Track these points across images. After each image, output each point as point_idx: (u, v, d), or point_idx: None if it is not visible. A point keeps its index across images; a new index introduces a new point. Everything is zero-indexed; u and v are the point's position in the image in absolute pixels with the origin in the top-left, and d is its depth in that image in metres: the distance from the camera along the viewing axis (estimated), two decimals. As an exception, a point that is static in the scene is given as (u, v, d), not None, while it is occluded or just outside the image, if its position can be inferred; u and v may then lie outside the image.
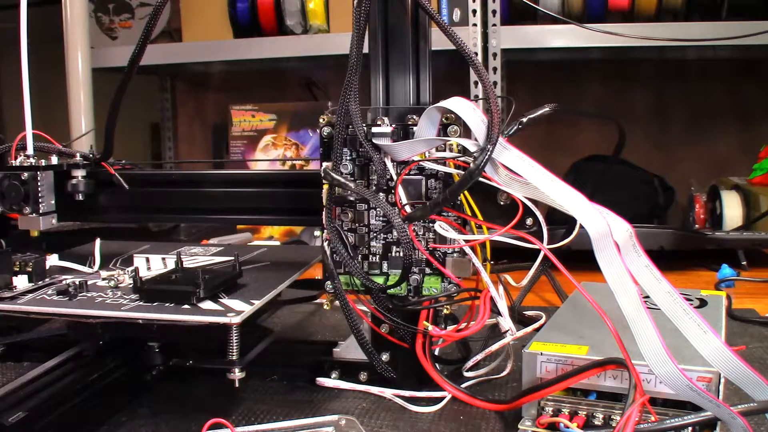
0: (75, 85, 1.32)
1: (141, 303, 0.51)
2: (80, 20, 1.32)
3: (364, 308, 0.56)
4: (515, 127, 0.53)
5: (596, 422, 0.46)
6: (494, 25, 1.27)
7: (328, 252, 0.55)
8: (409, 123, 0.54)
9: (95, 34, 1.55)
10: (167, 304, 0.50)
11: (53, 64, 1.33)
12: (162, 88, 1.78)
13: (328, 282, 0.56)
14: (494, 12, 1.26)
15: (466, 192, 0.52)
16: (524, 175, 0.47)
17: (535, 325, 0.57)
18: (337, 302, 0.56)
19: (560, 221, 0.50)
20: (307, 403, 0.56)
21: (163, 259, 0.64)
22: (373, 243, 0.57)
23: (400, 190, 0.54)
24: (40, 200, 0.63)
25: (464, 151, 0.52)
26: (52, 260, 0.64)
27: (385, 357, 0.57)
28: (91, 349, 0.58)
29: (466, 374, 0.58)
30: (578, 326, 0.54)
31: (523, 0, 1.16)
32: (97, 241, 0.67)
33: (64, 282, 0.56)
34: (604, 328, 0.44)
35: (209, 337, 0.50)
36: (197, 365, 0.56)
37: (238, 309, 0.49)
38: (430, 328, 0.54)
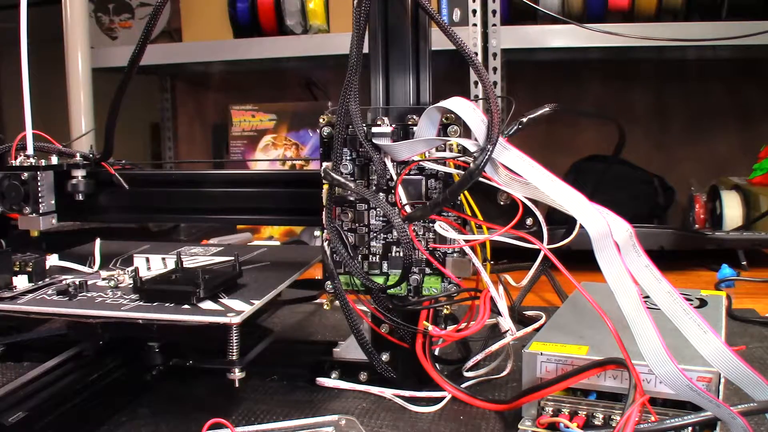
0: (75, 85, 1.32)
1: (141, 303, 0.51)
2: (80, 20, 1.32)
3: (364, 308, 0.56)
4: (515, 127, 0.53)
5: (596, 422, 0.46)
6: (494, 25, 1.27)
7: (328, 252, 0.55)
8: (409, 123, 0.54)
9: (95, 34, 1.55)
10: (167, 304, 0.50)
11: (53, 64, 1.33)
12: (162, 88, 1.78)
13: (328, 282, 0.56)
14: (494, 12, 1.26)
15: (466, 192, 0.52)
16: (524, 175, 0.47)
17: (535, 325, 0.57)
18: (337, 302, 0.56)
19: (560, 221, 0.50)
20: (307, 403, 0.56)
21: (163, 259, 0.64)
22: (373, 243, 0.57)
23: (400, 190, 0.54)
24: (40, 200, 0.63)
25: (464, 151, 0.52)
26: (52, 260, 0.64)
27: (385, 357, 0.57)
28: (91, 349, 0.58)
29: (466, 374, 0.58)
30: (578, 326, 0.54)
31: (523, 0, 1.16)
32: (97, 241, 0.67)
33: (64, 282, 0.56)
34: (604, 328, 0.44)
35: (209, 337, 0.50)
36: (197, 365, 0.56)
37: (238, 309, 0.49)
38: (430, 328, 0.54)
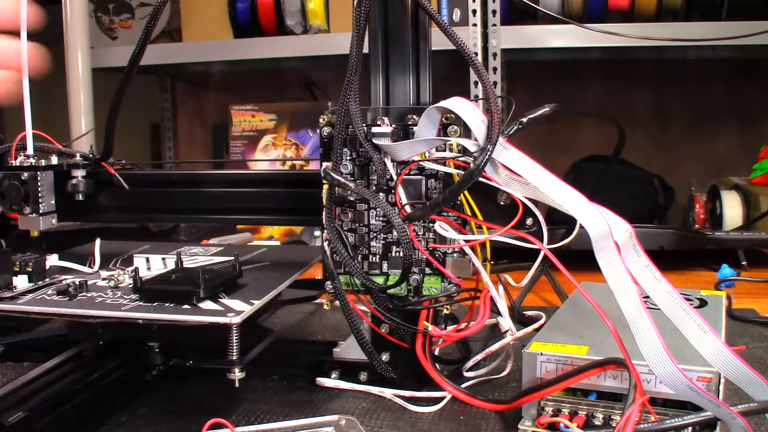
0: (75, 85, 1.32)
1: (141, 303, 0.51)
2: (80, 20, 1.32)
3: (364, 308, 0.56)
4: (515, 127, 0.53)
5: (596, 422, 0.46)
6: (494, 25, 1.27)
7: (328, 252, 0.55)
8: (409, 123, 0.54)
9: (95, 34, 1.55)
10: (167, 304, 0.50)
11: (53, 64, 1.33)
12: (162, 88, 1.78)
13: (328, 282, 0.56)
14: (494, 12, 1.26)
15: (466, 192, 0.52)
16: (524, 175, 0.47)
17: (535, 325, 0.57)
18: (337, 302, 0.56)
19: (560, 221, 0.50)
20: (307, 403, 0.56)
21: (163, 259, 0.64)
22: (373, 243, 0.57)
23: (400, 190, 0.54)
24: (40, 200, 0.63)
25: (464, 151, 0.52)
26: (52, 260, 0.64)
27: (385, 357, 0.57)
28: (91, 349, 0.58)
29: (466, 374, 0.58)
30: (578, 326, 0.54)
31: (523, 0, 1.16)
32: (97, 241, 0.67)
33: (64, 282, 0.56)
34: (604, 328, 0.44)
35: (209, 337, 0.50)
36: (197, 365, 0.56)
37: (238, 309, 0.49)
38: (430, 328, 0.54)
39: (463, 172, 0.50)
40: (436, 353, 0.59)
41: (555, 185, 0.46)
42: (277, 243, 1.29)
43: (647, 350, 0.41)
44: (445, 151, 0.53)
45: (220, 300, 0.52)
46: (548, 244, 0.48)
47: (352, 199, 0.56)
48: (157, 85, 1.78)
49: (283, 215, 0.65)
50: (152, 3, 1.54)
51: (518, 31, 1.28)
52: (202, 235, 1.20)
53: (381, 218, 0.56)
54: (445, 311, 0.56)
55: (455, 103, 0.49)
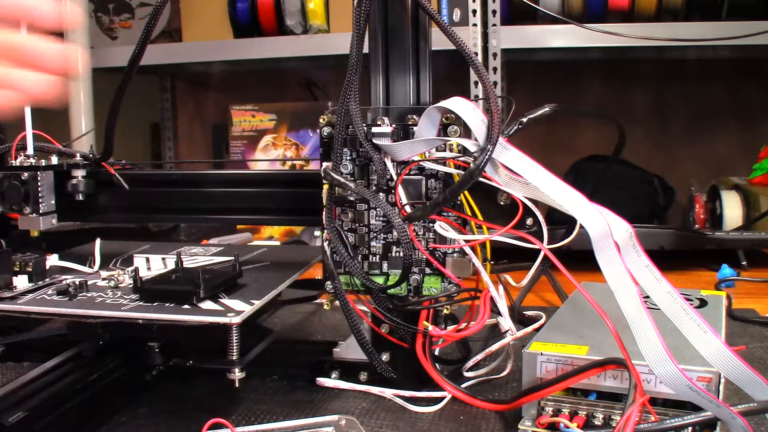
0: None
1: (141, 303, 0.51)
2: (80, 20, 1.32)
3: (364, 308, 0.56)
4: (515, 127, 0.53)
5: (596, 422, 0.46)
6: (494, 25, 1.27)
7: (328, 252, 0.55)
8: (409, 123, 0.54)
9: (95, 34, 1.55)
10: (167, 304, 0.50)
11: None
12: (162, 88, 1.78)
13: (328, 282, 0.56)
14: (494, 12, 1.26)
15: (466, 192, 0.52)
16: (524, 175, 0.47)
17: (535, 325, 0.57)
18: (337, 302, 0.56)
19: (560, 221, 0.50)
20: (307, 403, 0.56)
21: (163, 259, 0.64)
22: (373, 243, 0.57)
23: (400, 190, 0.54)
24: (40, 200, 0.63)
25: (464, 151, 0.52)
26: (52, 260, 0.64)
27: (385, 357, 0.57)
28: (91, 349, 0.58)
29: (466, 374, 0.58)
30: (578, 326, 0.54)
31: (523, 0, 1.16)
32: (97, 241, 0.67)
33: (64, 282, 0.56)
34: (604, 328, 0.44)
35: (209, 337, 0.50)
36: (197, 365, 0.56)
37: (238, 309, 0.49)
38: (430, 328, 0.54)
39: (463, 172, 0.50)
40: (436, 353, 0.59)
41: (555, 185, 0.46)
42: (277, 243, 1.29)
43: (647, 350, 0.41)
44: (445, 151, 0.53)
45: (220, 300, 0.52)
46: (548, 244, 0.48)
47: (352, 199, 0.56)
48: (157, 85, 1.78)
49: (283, 215, 0.65)
50: (152, 3, 1.54)
51: (518, 31, 1.28)
52: (202, 235, 1.20)
53: (381, 218, 0.56)
54: (445, 311, 0.56)
55: (455, 103, 0.49)
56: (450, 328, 0.56)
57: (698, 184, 1.37)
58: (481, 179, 0.48)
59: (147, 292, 0.52)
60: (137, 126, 1.78)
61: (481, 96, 1.22)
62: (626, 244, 0.43)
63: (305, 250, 0.90)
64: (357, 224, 0.57)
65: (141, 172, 0.69)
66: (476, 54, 1.11)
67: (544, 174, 0.46)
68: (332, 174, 0.53)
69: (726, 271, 0.99)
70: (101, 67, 1.40)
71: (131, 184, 0.65)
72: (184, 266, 0.59)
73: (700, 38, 1.18)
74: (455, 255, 0.55)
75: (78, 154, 0.66)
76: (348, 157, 0.56)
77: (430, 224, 0.55)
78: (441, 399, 0.55)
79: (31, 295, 0.54)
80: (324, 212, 0.55)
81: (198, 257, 0.69)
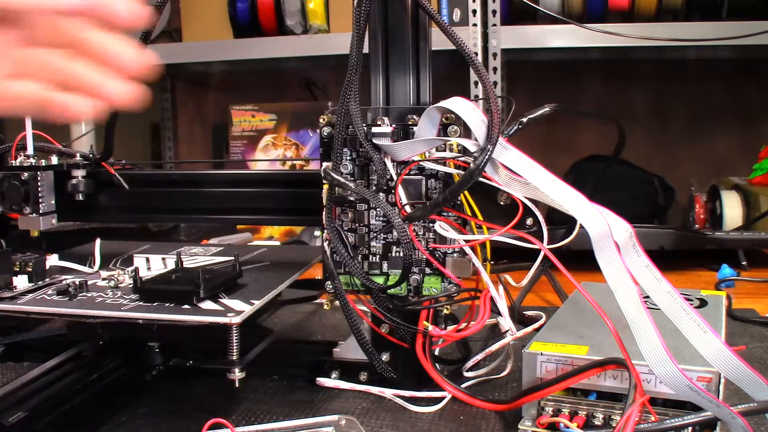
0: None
1: (141, 303, 0.51)
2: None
3: (364, 308, 0.56)
4: (515, 127, 0.53)
5: (596, 422, 0.46)
6: (494, 25, 1.27)
7: (328, 252, 0.55)
8: (409, 123, 0.54)
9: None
10: (167, 304, 0.50)
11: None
12: (162, 88, 1.78)
13: (328, 282, 0.56)
14: (494, 12, 1.26)
15: (466, 192, 0.52)
16: (524, 175, 0.47)
17: (535, 325, 0.57)
18: (337, 302, 0.56)
19: (560, 221, 0.50)
20: (307, 403, 0.56)
21: (163, 259, 0.64)
22: (373, 243, 0.57)
23: (400, 190, 0.54)
24: (40, 200, 0.63)
25: (464, 151, 0.52)
26: (52, 260, 0.64)
27: (385, 357, 0.57)
28: (91, 349, 0.58)
29: (466, 374, 0.58)
30: (578, 326, 0.54)
31: (523, 0, 1.16)
32: (97, 241, 0.67)
33: (64, 282, 0.56)
34: (604, 328, 0.44)
35: (209, 337, 0.50)
36: (197, 365, 0.56)
37: (238, 309, 0.49)
38: (430, 328, 0.54)
39: (463, 172, 0.50)
40: (436, 353, 0.59)
41: (555, 185, 0.46)
42: (277, 243, 1.29)
43: (647, 350, 0.41)
44: (445, 151, 0.53)
45: (220, 300, 0.52)
46: (548, 244, 0.48)
47: (352, 199, 0.56)
48: (157, 85, 1.77)
49: (283, 215, 0.65)
50: (152, 3, 1.54)
51: (518, 31, 1.28)
52: (202, 235, 1.20)
53: (381, 218, 0.56)
54: (445, 311, 0.56)
55: (455, 103, 0.49)
56: (450, 328, 0.56)
57: (698, 184, 1.37)
58: (481, 179, 0.48)
59: (147, 292, 0.52)
60: (137, 126, 1.78)
61: (481, 96, 1.22)
62: (626, 244, 0.43)
63: (305, 250, 0.90)
64: (357, 224, 0.57)
65: (141, 172, 0.69)
66: (476, 54, 1.11)
67: (544, 174, 0.46)
68: (332, 174, 0.53)
69: (726, 271, 0.99)
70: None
71: (131, 184, 0.65)
72: (184, 266, 0.59)
73: (700, 38, 1.18)
74: (455, 255, 0.55)
75: (78, 154, 0.67)
76: (348, 157, 0.56)
77: (430, 224, 0.55)
78: (441, 399, 0.55)
79: (31, 295, 0.54)
80: (324, 212, 0.55)
81: (198, 257, 0.69)
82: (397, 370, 0.56)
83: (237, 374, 0.50)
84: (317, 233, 1.26)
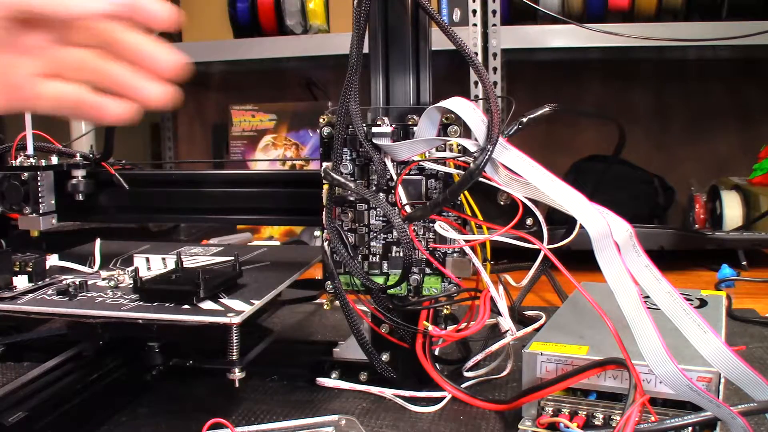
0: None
1: (141, 303, 0.51)
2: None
3: (364, 308, 0.56)
4: (515, 127, 0.53)
5: (596, 422, 0.46)
6: (494, 25, 1.27)
7: (328, 252, 0.55)
8: (409, 123, 0.54)
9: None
10: (167, 304, 0.50)
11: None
12: (162, 88, 1.78)
13: (328, 282, 0.56)
14: (494, 12, 1.26)
15: (466, 192, 0.52)
16: (524, 175, 0.47)
17: (535, 325, 0.57)
18: (337, 302, 0.56)
19: (560, 221, 0.50)
20: (307, 403, 0.56)
21: (163, 259, 0.64)
22: (373, 243, 0.57)
23: (400, 190, 0.54)
24: (40, 200, 0.63)
25: (464, 151, 0.52)
26: (52, 260, 0.64)
27: (385, 357, 0.57)
28: (91, 349, 0.58)
29: (466, 374, 0.58)
30: (578, 326, 0.54)
31: (523, 0, 1.16)
32: (97, 241, 0.67)
33: (64, 282, 0.56)
34: (604, 328, 0.44)
35: (209, 337, 0.50)
36: (197, 365, 0.56)
37: (238, 309, 0.49)
38: (430, 328, 0.54)
39: (463, 172, 0.50)
40: (436, 353, 0.59)
41: (555, 185, 0.46)
42: (277, 243, 1.29)
43: (647, 350, 0.41)
44: (445, 151, 0.53)
45: (220, 300, 0.52)
46: (548, 244, 0.48)
47: (352, 199, 0.56)
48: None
49: (283, 215, 0.65)
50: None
51: (518, 31, 1.28)
52: (202, 235, 1.20)
53: (381, 218, 0.56)
54: (445, 311, 0.56)
55: (455, 103, 0.49)
56: (450, 328, 0.56)
57: (698, 184, 1.37)
58: (481, 179, 0.48)
59: (147, 292, 0.52)
60: (137, 126, 1.78)
61: (481, 96, 1.22)
62: (626, 244, 0.43)
63: (305, 250, 0.90)
64: (357, 224, 0.57)
65: (141, 172, 0.69)
66: (476, 54, 1.11)
67: (544, 174, 0.46)
68: (332, 174, 0.53)
69: (726, 271, 0.99)
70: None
71: (131, 184, 0.65)
72: (184, 266, 0.59)
73: (700, 38, 1.18)
74: (455, 255, 0.55)
75: (78, 154, 0.67)
76: (348, 157, 0.56)
77: (430, 224, 0.55)
78: (441, 399, 0.55)
79: (31, 295, 0.54)
80: (324, 212, 0.55)
81: (198, 257, 0.69)
82: (397, 370, 0.56)
83: (237, 374, 0.50)
84: (317, 233, 1.26)
